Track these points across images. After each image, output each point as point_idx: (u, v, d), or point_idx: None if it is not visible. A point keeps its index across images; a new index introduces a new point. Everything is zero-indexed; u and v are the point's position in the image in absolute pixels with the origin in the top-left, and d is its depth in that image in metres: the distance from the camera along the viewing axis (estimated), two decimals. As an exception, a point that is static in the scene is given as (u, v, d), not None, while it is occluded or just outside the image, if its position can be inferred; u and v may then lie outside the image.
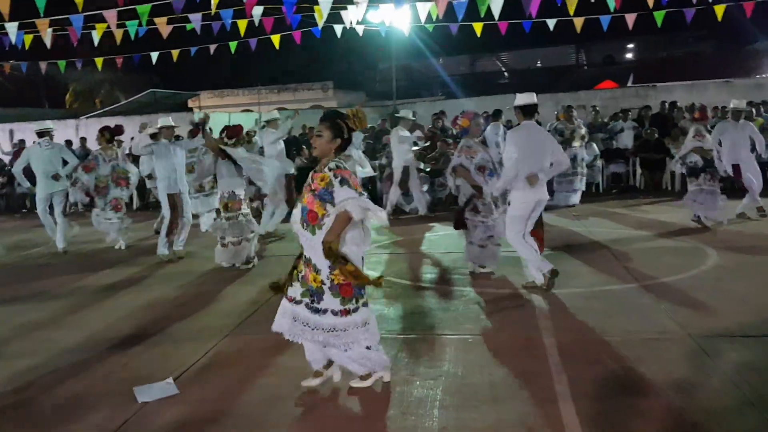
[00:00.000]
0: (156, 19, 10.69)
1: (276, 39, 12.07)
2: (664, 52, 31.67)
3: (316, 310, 3.59)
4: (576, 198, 11.37)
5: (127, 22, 10.67)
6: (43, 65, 13.31)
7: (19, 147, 14.72)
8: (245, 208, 7.46)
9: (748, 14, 10.29)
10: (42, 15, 9.57)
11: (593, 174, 12.55)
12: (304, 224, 3.59)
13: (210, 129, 9.14)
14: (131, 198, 12.72)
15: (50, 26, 10.29)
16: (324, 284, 3.57)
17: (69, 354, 4.72)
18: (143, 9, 9.87)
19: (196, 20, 10.76)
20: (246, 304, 5.85)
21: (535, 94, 5.94)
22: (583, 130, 11.66)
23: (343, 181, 3.47)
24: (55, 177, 8.86)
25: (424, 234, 9.27)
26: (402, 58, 24.35)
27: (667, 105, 14.38)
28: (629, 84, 22.65)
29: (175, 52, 12.47)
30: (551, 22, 11.02)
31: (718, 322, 4.71)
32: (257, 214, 9.37)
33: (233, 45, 12.42)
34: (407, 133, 10.72)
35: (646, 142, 12.90)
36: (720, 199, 8.41)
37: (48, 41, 10.46)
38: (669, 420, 3.29)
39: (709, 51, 29.54)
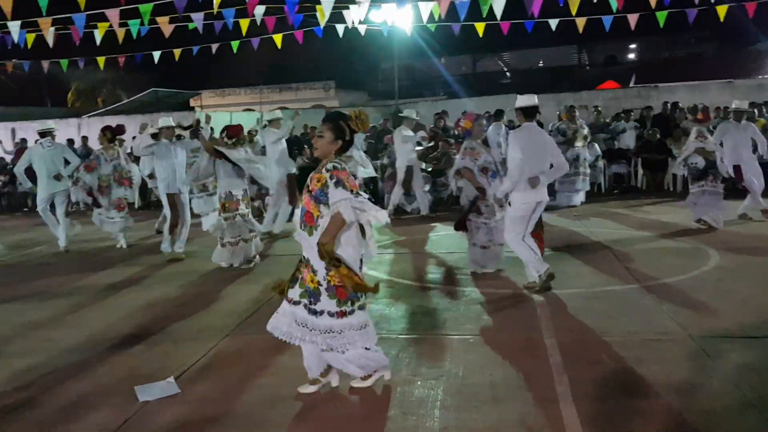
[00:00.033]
0: (158, 18, 10.69)
1: (278, 38, 12.05)
2: (666, 52, 31.73)
3: (314, 312, 3.58)
4: (578, 198, 11.37)
5: (129, 21, 10.67)
6: (45, 64, 13.32)
7: (21, 146, 14.77)
8: (243, 209, 7.44)
9: (750, 15, 10.26)
10: (44, 14, 9.59)
11: (595, 174, 12.56)
12: (302, 225, 3.61)
13: (211, 129, 9.14)
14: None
15: (52, 25, 10.30)
16: (321, 285, 3.57)
17: (70, 353, 4.73)
18: (145, 8, 9.86)
19: (198, 19, 10.75)
20: (246, 303, 5.86)
21: (536, 96, 5.95)
22: (586, 130, 11.67)
23: (338, 183, 3.46)
24: (57, 177, 8.89)
25: (425, 234, 9.27)
26: (404, 57, 24.40)
27: (669, 105, 14.34)
28: (631, 84, 22.64)
29: (177, 52, 12.46)
30: (553, 22, 11.00)
31: (719, 323, 4.71)
32: (258, 214, 9.37)
33: (235, 44, 12.40)
34: (411, 133, 10.71)
35: (647, 143, 12.90)
36: (722, 201, 8.40)
37: (50, 40, 10.46)
38: (669, 420, 3.29)
39: (711, 51, 29.56)
